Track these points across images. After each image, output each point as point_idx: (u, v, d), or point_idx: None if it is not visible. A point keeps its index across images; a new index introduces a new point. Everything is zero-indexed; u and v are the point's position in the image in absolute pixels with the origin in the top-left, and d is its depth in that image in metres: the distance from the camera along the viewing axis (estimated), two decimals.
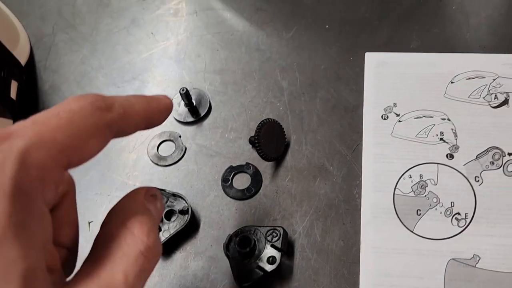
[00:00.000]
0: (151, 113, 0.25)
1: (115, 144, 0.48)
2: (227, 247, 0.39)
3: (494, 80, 0.45)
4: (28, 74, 0.52)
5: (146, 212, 0.23)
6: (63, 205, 0.23)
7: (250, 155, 0.46)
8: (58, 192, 0.22)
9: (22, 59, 0.52)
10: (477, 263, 0.38)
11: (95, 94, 0.22)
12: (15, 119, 0.47)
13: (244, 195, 0.44)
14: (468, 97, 0.45)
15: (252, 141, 0.45)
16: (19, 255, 0.18)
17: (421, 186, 0.41)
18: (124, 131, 0.23)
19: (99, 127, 0.21)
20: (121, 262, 0.21)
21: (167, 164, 0.47)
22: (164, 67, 0.52)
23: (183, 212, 0.43)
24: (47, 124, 0.20)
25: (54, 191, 0.21)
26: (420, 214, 0.40)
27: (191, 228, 0.43)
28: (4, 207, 0.18)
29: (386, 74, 0.47)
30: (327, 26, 0.52)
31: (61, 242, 0.24)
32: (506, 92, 0.44)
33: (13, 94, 0.46)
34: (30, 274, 0.18)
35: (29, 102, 0.51)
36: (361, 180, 0.43)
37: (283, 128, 0.46)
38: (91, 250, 0.22)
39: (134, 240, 0.22)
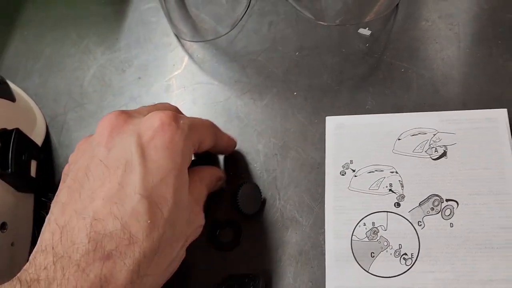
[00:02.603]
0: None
1: None
2: None
3: (434, 135, 0.53)
4: (45, 150, 0.62)
5: None
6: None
7: (232, 212, 0.54)
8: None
9: (40, 138, 0.62)
10: None
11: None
12: (36, 194, 0.57)
13: (228, 247, 0.52)
14: (413, 151, 0.53)
15: (232, 201, 0.53)
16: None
17: (374, 232, 0.49)
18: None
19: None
20: None
21: None
22: None
23: None
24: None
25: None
26: (374, 256, 0.48)
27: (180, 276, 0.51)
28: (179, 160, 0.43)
29: (344, 135, 0.55)
30: (295, 93, 0.61)
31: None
32: (445, 145, 0.52)
33: (33, 172, 0.55)
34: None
35: (47, 175, 0.60)
36: (325, 228, 0.51)
37: (259, 188, 0.54)
38: None
39: None
